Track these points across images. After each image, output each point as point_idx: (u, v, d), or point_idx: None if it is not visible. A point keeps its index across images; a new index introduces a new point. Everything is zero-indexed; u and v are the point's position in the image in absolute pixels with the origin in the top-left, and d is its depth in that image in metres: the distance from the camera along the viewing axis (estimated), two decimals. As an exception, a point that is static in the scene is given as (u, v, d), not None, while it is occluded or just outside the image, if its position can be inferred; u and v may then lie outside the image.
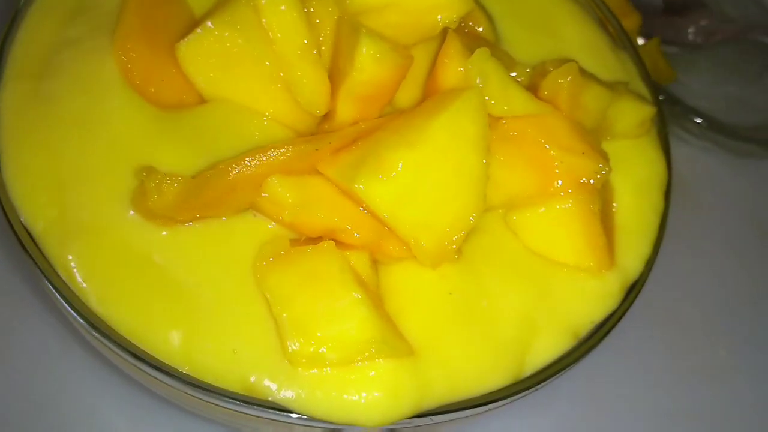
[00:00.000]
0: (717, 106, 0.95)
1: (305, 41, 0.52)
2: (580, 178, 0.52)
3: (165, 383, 0.47)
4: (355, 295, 0.46)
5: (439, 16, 0.56)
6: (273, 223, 0.51)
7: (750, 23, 0.99)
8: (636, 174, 0.59)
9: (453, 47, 0.53)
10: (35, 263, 0.49)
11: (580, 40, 0.65)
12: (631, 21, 0.85)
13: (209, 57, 0.53)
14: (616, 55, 0.65)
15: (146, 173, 0.48)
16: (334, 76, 0.53)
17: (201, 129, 0.53)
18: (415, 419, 0.48)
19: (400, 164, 0.48)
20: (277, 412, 0.46)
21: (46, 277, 0.48)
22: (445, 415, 0.48)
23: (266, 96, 0.54)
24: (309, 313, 0.46)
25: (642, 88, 0.64)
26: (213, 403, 0.47)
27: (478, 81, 0.51)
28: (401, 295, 0.51)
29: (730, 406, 0.80)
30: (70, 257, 0.49)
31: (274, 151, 0.49)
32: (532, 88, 0.55)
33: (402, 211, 0.48)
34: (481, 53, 0.51)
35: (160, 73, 0.55)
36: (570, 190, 0.53)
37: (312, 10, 0.54)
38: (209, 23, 0.52)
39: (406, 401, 0.47)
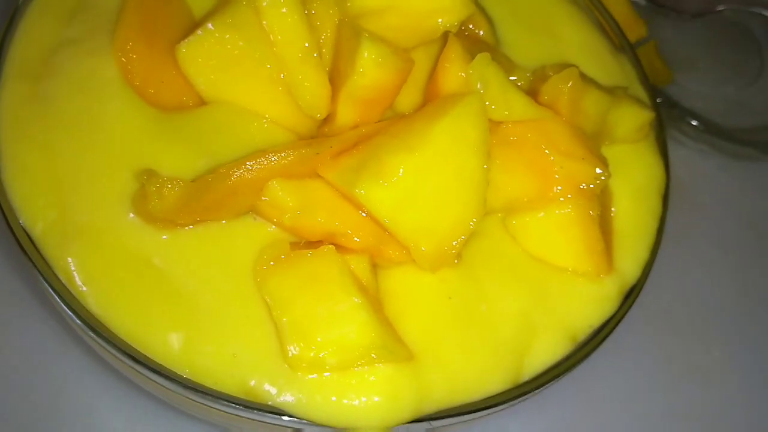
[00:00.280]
0: (714, 108, 0.95)
1: (306, 44, 0.52)
2: (579, 183, 0.53)
3: (164, 387, 0.47)
4: (356, 299, 0.46)
5: (440, 20, 0.56)
6: (273, 226, 0.51)
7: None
8: (635, 179, 0.59)
9: (454, 51, 0.53)
10: (34, 265, 0.48)
11: (580, 44, 0.65)
12: (637, 32, 0.85)
13: (209, 59, 0.53)
14: (615, 59, 0.65)
15: (147, 176, 0.48)
16: (335, 79, 0.53)
17: (201, 131, 0.53)
18: (415, 423, 0.48)
19: (400, 169, 0.48)
20: (276, 416, 0.46)
21: (45, 280, 0.48)
22: (444, 419, 0.48)
23: (266, 98, 0.54)
24: (309, 317, 0.47)
25: (641, 92, 0.64)
26: (212, 407, 0.47)
27: (478, 86, 0.51)
28: (400, 299, 0.51)
29: (724, 407, 0.81)
30: (70, 260, 0.49)
31: (275, 154, 0.49)
32: (532, 92, 0.55)
33: (402, 215, 0.48)
34: (482, 58, 0.51)
35: (160, 74, 0.55)
36: (569, 195, 0.53)
37: (313, 12, 0.53)
38: (210, 25, 0.52)
39: (405, 405, 0.48)
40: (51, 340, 0.66)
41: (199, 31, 0.52)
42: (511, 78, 0.56)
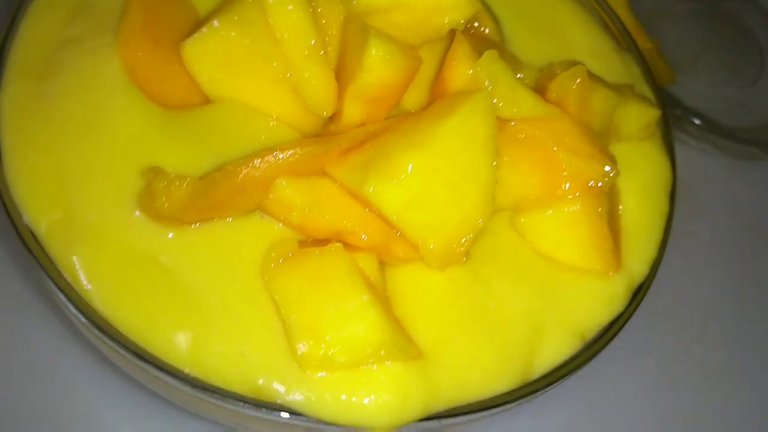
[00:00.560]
0: (714, 107, 0.95)
1: (312, 42, 0.52)
2: (588, 181, 0.52)
3: (172, 386, 0.47)
4: (365, 297, 0.46)
5: (446, 18, 0.56)
6: (279, 224, 0.51)
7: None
8: (641, 177, 0.59)
9: (461, 49, 0.52)
10: (39, 264, 0.48)
11: (585, 42, 0.65)
12: (641, 43, 0.84)
13: (214, 56, 0.53)
14: (620, 58, 0.65)
15: (153, 174, 0.47)
16: (341, 76, 0.53)
17: (206, 129, 0.53)
18: (424, 422, 0.48)
19: (409, 166, 0.47)
20: (285, 415, 0.46)
21: (50, 278, 0.47)
22: (454, 418, 0.48)
23: (272, 96, 0.54)
24: (318, 315, 0.46)
25: (646, 91, 0.64)
26: (220, 406, 0.47)
27: (487, 83, 0.51)
28: (408, 298, 0.51)
29: (725, 407, 0.81)
30: (75, 258, 0.48)
31: (282, 152, 0.48)
32: (539, 90, 0.55)
33: (411, 213, 0.48)
34: (490, 55, 0.51)
35: (164, 72, 0.54)
36: (578, 193, 0.53)
37: (319, 10, 0.53)
38: (215, 22, 0.52)
39: (415, 404, 0.47)
40: (53, 338, 0.66)
41: (204, 29, 0.52)
42: (518, 76, 0.55)
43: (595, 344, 0.53)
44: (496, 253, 0.53)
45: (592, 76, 0.56)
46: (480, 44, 0.56)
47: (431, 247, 0.49)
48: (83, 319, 0.47)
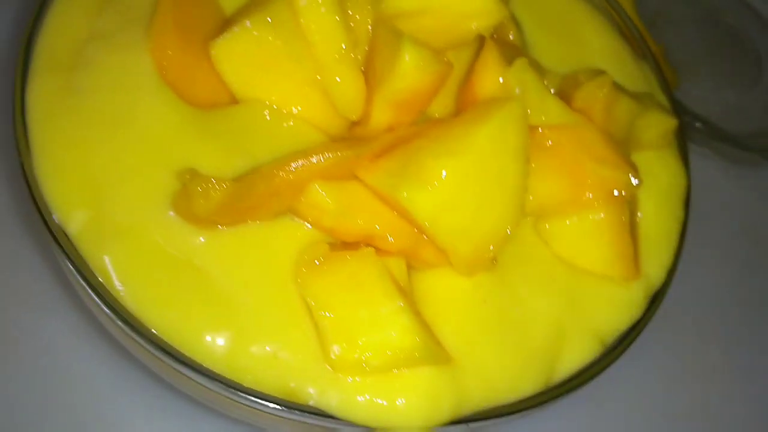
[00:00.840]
0: (714, 113, 0.96)
1: (343, 45, 0.52)
2: (612, 189, 0.53)
3: (205, 387, 0.47)
4: (399, 303, 0.47)
5: (474, 24, 0.56)
6: (309, 226, 0.51)
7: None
8: (659, 184, 0.60)
9: (491, 56, 0.53)
10: (72, 263, 0.48)
11: (604, 49, 0.66)
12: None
13: (244, 57, 0.52)
14: (637, 65, 0.66)
15: (190, 176, 0.47)
16: (369, 80, 0.53)
17: (235, 130, 0.53)
18: (452, 425, 0.49)
19: (443, 173, 0.48)
20: (318, 417, 0.47)
21: (84, 279, 0.47)
22: (482, 421, 0.49)
23: (300, 98, 0.54)
24: (351, 319, 0.47)
25: (662, 99, 0.65)
26: (253, 407, 0.47)
27: (517, 91, 0.51)
28: (434, 302, 0.51)
29: (725, 408, 0.82)
30: (107, 258, 0.48)
31: (316, 156, 0.49)
32: (562, 97, 0.56)
33: (442, 219, 0.48)
34: (521, 63, 0.52)
35: (193, 71, 0.54)
36: (601, 201, 0.54)
37: (349, 12, 0.53)
38: (247, 22, 0.51)
39: (445, 407, 0.48)
40: (70, 335, 0.65)
41: (235, 28, 0.52)
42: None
43: (615, 350, 0.54)
44: (520, 258, 0.54)
45: (616, 86, 0.57)
46: (505, 50, 0.57)
47: (461, 252, 0.50)
48: (118, 321, 0.47)
